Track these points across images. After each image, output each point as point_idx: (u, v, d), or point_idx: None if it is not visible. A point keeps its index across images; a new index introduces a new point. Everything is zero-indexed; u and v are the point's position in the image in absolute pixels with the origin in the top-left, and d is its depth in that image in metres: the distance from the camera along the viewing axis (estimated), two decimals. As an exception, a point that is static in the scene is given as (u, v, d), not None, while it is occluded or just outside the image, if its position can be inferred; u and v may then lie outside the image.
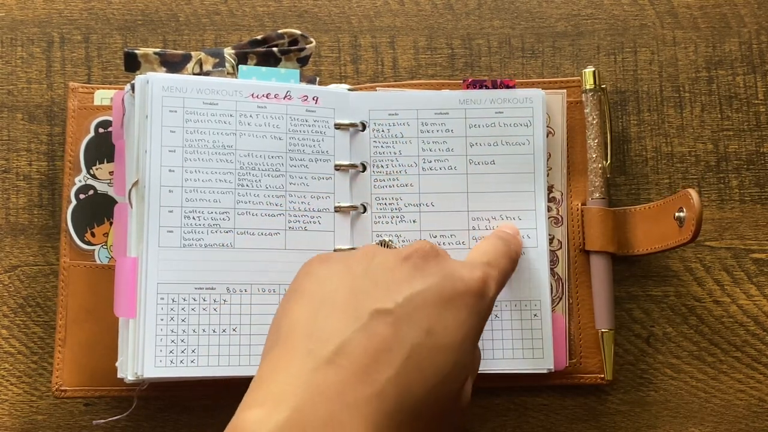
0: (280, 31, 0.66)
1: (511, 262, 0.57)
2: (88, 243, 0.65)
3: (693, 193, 0.61)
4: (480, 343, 0.62)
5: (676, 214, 0.62)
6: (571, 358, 0.65)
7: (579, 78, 0.68)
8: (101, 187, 0.66)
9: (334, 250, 0.63)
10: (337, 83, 0.68)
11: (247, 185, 0.61)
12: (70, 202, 0.65)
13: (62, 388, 0.63)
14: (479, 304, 0.50)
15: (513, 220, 0.64)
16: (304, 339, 0.47)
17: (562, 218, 0.66)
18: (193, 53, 0.64)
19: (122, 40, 0.71)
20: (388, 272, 0.49)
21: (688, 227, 0.61)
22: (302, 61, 0.66)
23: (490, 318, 0.62)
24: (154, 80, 0.61)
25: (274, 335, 0.49)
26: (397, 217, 0.64)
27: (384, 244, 0.56)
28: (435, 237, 0.63)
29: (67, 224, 0.65)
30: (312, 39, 0.66)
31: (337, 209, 0.63)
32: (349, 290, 0.48)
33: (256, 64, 0.65)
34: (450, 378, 0.48)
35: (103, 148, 0.66)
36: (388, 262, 0.50)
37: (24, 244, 0.68)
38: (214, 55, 0.64)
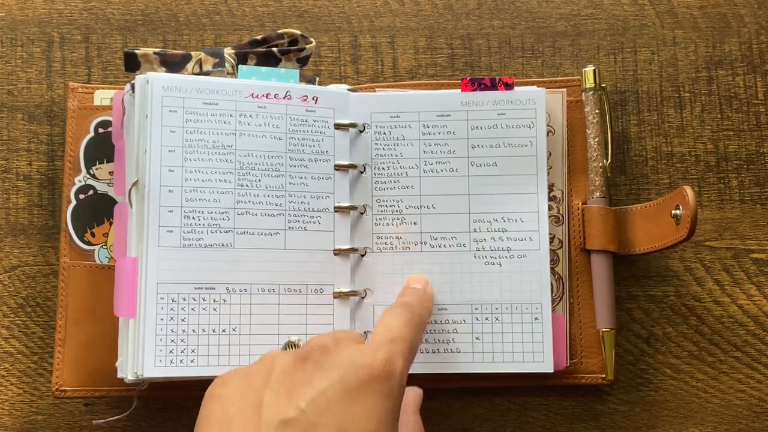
0: (280, 31, 0.66)
1: (417, 330, 0.54)
2: (88, 243, 0.65)
3: (688, 190, 0.60)
4: (481, 345, 0.63)
5: (673, 211, 0.62)
6: (571, 358, 0.65)
7: (579, 77, 0.68)
8: (101, 187, 0.66)
9: (334, 251, 0.63)
10: (337, 83, 0.68)
11: (246, 185, 0.61)
12: (70, 202, 0.65)
13: (62, 388, 0.63)
14: (387, 387, 0.48)
15: (514, 222, 0.64)
16: None
17: (562, 217, 0.66)
18: (193, 53, 0.64)
19: (122, 40, 0.71)
20: (288, 377, 0.47)
21: (684, 224, 0.61)
22: (302, 61, 0.66)
23: (490, 320, 0.63)
24: (154, 80, 0.61)
25: None
26: (398, 219, 0.64)
27: (291, 345, 0.53)
28: (436, 239, 0.63)
29: (67, 224, 0.65)
30: (312, 39, 0.66)
31: (337, 209, 0.63)
32: (253, 408, 0.46)
33: (256, 64, 0.65)
34: None
35: (103, 148, 0.66)
36: (287, 366, 0.48)
37: (24, 244, 0.68)
38: (214, 55, 0.64)
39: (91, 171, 0.66)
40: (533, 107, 0.64)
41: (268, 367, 0.48)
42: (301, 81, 0.64)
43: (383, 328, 0.52)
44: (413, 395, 0.57)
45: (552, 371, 0.63)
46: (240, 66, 0.64)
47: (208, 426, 0.47)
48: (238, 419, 0.46)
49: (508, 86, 0.65)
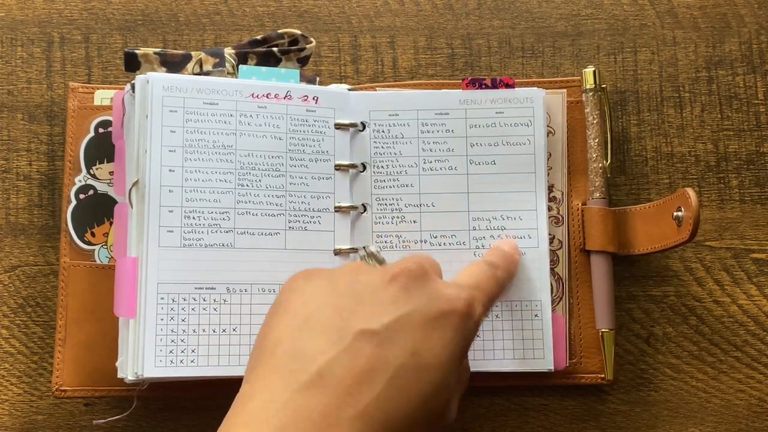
0: (280, 31, 0.66)
1: (498, 287, 0.56)
2: (88, 243, 0.65)
3: (691, 192, 0.61)
4: (480, 343, 0.63)
5: (675, 213, 0.62)
6: (571, 358, 0.65)
7: (579, 78, 0.68)
8: (101, 187, 0.66)
9: (334, 251, 0.63)
10: (337, 83, 0.68)
11: (247, 185, 0.61)
12: (70, 202, 0.65)
13: (62, 388, 0.63)
14: (464, 325, 0.50)
15: (513, 220, 0.64)
16: (287, 358, 0.47)
17: (562, 218, 0.66)
18: (193, 53, 0.64)
19: (122, 40, 0.71)
20: (374, 292, 0.49)
21: (686, 227, 0.61)
22: (302, 61, 0.66)
23: (490, 318, 0.63)
24: (154, 80, 0.61)
25: (257, 352, 0.49)
26: (398, 217, 0.64)
27: (370, 256, 0.54)
28: (435, 237, 0.63)
29: (67, 224, 0.65)
30: (312, 39, 0.66)
31: (337, 209, 0.63)
32: (334, 309, 0.48)
33: (256, 64, 0.65)
34: (434, 398, 0.48)
35: (103, 148, 0.66)
36: (374, 281, 0.50)
37: (24, 244, 0.68)
38: (214, 55, 0.64)
39: (91, 171, 0.66)
40: (531, 106, 0.65)
41: (354, 278, 0.50)
42: (301, 81, 0.64)
43: (467, 275, 0.55)
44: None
45: (552, 369, 0.63)
46: (240, 66, 0.64)
47: (286, 315, 0.49)
48: (317, 317, 0.48)
49: (509, 87, 0.65)
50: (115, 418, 0.65)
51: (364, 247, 0.55)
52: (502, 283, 0.57)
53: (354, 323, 0.47)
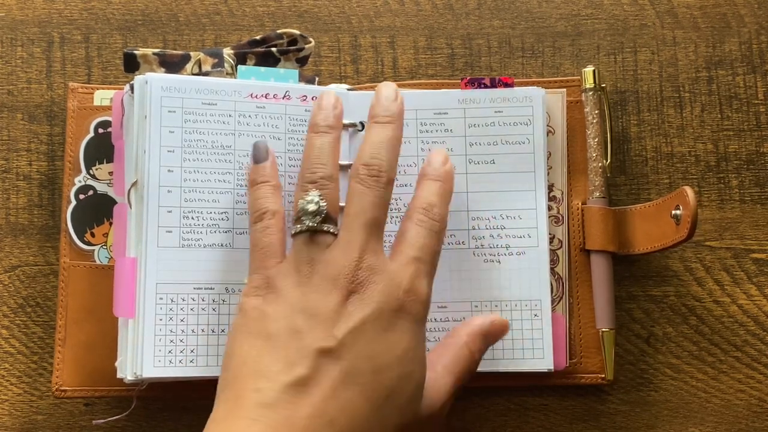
0: (279, 31, 0.66)
1: (439, 237, 0.56)
2: (88, 243, 0.65)
3: (689, 190, 0.60)
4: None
5: (673, 212, 0.62)
6: (571, 358, 0.65)
7: (579, 77, 0.68)
8: (101, 187, 0.66)
9: None
10: (337, 83, 0.68)
11: (246, 185, 0.61)
12: (69, 202, 0.65)
13: (62, 388, 0.63)
14: (414, 312, 0.53)
15: (513, 219, 0.64)
16: (252, 379, 0.50)
17: (562, 217, 0.66)
18: (192, 53, 0.64)
19: (122, 40, 0.71)
20: (325, 307, 0.51)
21: (685, 225, 0.61)
22: (301, 62, 0.66)
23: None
24: (152, 80, 0.61)
25: (223, 377, 0.52)
26: (397, 217, 0.64)
27: (317, 214, 0.54)
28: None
29: (67, 224, 0.65)
30: (311, 39, 0.66)
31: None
32: (292, 331, 0.51)
33: (255, 65, 0.65)
34: (396, 392, 0.51)
35: (102, 149, 0.66)
36: (322, 298, 0.52)
37: (24, 244, 0.68)
38: (213, 56, 0.64)
39: (91, 171, 0.66)
40: (530, 104, 0.64)
41: (304, 296, 0.52)
42: (300, 81, 0.64)
43: (406, 243, 0.55)
44: (483, 319, 0.59)
45: (552, 368, 0.63)
46: (239, 66, 0.64)
47: (249, 336, 0.52)
48: (276, 337, 0.51)
49: (508, 86, 0.65)
50: (114, 418, 0.65)
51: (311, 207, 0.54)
52: (441, 227, 0.57)
53: (311, 342, 0.50)
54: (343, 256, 0.52)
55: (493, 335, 0.58)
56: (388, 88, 0.59)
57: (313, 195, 0.54)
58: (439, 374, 0.55)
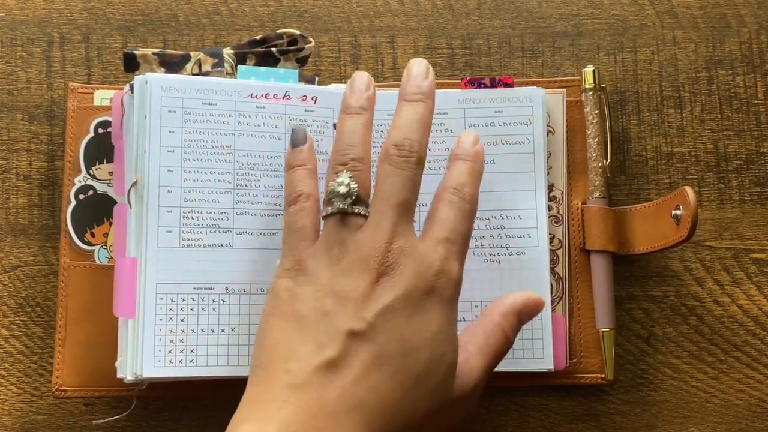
0: (279, 31, 0.66)
1: (471, 218, 0.56)
2: (88, 243, 0.65)
3: (689, 190, 0.61)
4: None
5: (673, 212, 0.62)
6: (571, 358, 0.65)
7: (579, 77, 0.68)
8: (101, 187, 0.66)
9: None
10: (336, 83, 0.68)
11: (246, 185, 0.61)
12: (69, 202, 0.65)
13: (62, 388, 0.63)
14: (445, 293, 0.53)
15: (513, 219, 0.64)
16: (283, 360, 0.50)
17: (562, 217, 0.66)
18: (192, 53, 0.64)
19: (122, 40, 0.71)
20: (355, 290, 0.51)
21: (685, 225, 0.61)
22: (301, 62, 0.66)
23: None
24: (152, 80, 0.61)
25: (255, 359, 0.52)
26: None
27: (338, 196, 0.54)
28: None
29: (66, 224, 0.65)
30: (311, 39, 0.66)
31: (337, 209, 0.63)
32: (322, 313, 0.51)
33: (255, 65, 0.65)
34: (428, 373, 0.51)
35: (102, 149, 0.66)
36: (352, 281, 0.51)
37: (24, 244, 0.68)
38: (213, 56, 0.64)
39: (91, 171, 0.66)
40: (530, 105, 0.64)
41: (334, 278, 0.52)
42: (300, 81, 0.64)
43: (437, 224, 0.55)
44: (517, 296, 0.58)
45: (552, 369, 0.63)
46: (239, 66, 0.64)
47: (280, 318, 0.52)
48: (307, 320, 0.51)
49: (508, 86, 0.65)
50: (114, 418, 0.65)
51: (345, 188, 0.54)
52: (472, 208, 0.56)
53: (340, 324, 0.50)
54: (373, 239, 0.52)
55: (527, 314, 0.57)
56: (419, 65, 0.58)
57: (344, 177, 0.54)
58: (472, 354, 0.55)
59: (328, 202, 0.54)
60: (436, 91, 0.65)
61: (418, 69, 0.58)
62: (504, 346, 0.56)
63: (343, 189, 0.53)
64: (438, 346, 0.51)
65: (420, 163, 0.55)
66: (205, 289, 0.60)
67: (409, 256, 0.52)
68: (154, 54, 0.64)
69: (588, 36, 0.71)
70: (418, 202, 0.63)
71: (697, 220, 0.60)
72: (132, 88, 0.61)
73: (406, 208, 0.54)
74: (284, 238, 0.55)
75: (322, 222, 0.55)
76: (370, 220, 0.53)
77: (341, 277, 0.52)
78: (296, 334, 0.51)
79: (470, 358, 0.54)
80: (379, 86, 0.66)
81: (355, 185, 0.53)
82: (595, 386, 0.67)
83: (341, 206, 0.53)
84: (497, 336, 0.56)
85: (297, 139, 0.58)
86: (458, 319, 0.62)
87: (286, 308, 0.52)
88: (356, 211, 0.53)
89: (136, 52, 0.63)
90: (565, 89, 0.67)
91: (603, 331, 0.65)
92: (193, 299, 0.60)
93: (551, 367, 0.63)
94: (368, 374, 0.49)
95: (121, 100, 0.63)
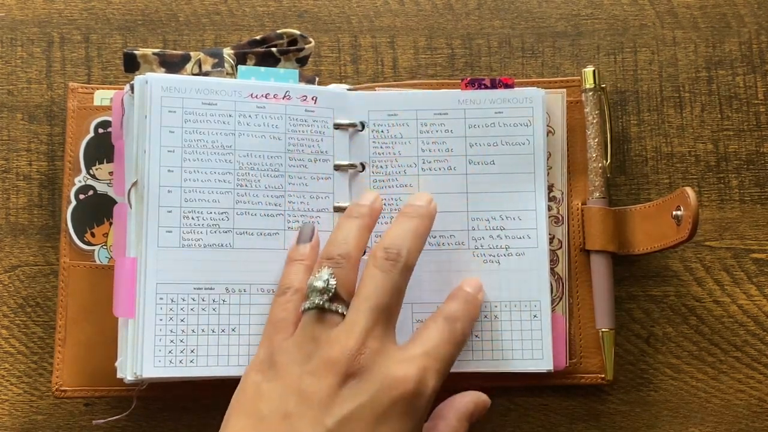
0: (279, 32, 0.66)
1: (456, 347, 0.56)
2: (88, 243, 0.65)
3: (690, 191, 0.61)
4: (480, 344, 0.63)
5: (674, 212, 0.62)
6: (571, 358, 0.65)
7: (579, 78, 0.68)
8: (101, 187, 0.66)
9: None
10: (336, 83, 0.68)
11: (246, 185, 0.61)
12: (69, 202, 0.65)
13: (62, 388, 0.63)
14: (415, 406, 0.51)
15: (513, 220, 0.64)
16: None
17: (562, 217, 0.66)
18: (192, 53, 0.64)
19: (122, 40, 0.71)
20: (320, 391, 0.50)
21: (685, 226, 0.61)
22: (301, 62, 0.66)
23: (489, 318, 0.63)
24: (153, 80, 0.61)
25: None
26: (390, 216, 0.64)
27: (325, 291, 0.54)
28: (434, 237, 0.63)
29: (67, 224, 0.65)
30: (311, 39, 0.66)
31: (337, 209, 0.63)
32: (283, 415, 0.50)
33: (255, 65, 0.65)
34: None
35: (102, 149, 0.66)
36: (319, 382, 0.51)
37: (24, 244, 0.68)
38: (213, 56, 0.64)
39: (91, 171, 0.66)
40: (530, 106, 0.64)
41: (301, 377, 0.51)
42: (300, 81, 0.64)
43: (423, 339, 0.54)
44: (468, 400, 0.58)
45: (552, 369, 0.63)
46: (239, 66, 0.64)
47: (243, 416, 0.52)
48: (269, 421, 0.50)
49: (508, 87, 0.65)
50: (114, 418, 0.65)
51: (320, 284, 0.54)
52: (462, 342, 0.56)
53: (300, 430, 0.49)
54: (346, 338, 0.52)
55: (477, 416, 0.58)
56: (423, 197, 0.60)
57: (324, 272, 0.54)
58: None
59: (307, 296, 0.54)
60: (436, 91, 0.66)
61: (420, 199, 0.59)
62: None
63: (320, 284, 0.53)
64: None
65: (406, 269, 0.55)
66: (205, 289, 0.60)
67: (381, 360, 0.52)
68: (154, 54, 0.64)
69: (588, 36, 0.72)
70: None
71: (698, 221, 0.60)
72: (132, 88, 0.61)
73: (386, 312, 0.53)
74: (264, 329, 0.56)
75: None
76: (346, 320, 0.53)
77: (308, 376, 0.51)
78: None
79: None
80: (379, 86, 0.67)
81: (334, 282, 0.54)
82: (595, 386, 0.67)
83: (317, 302, 0.53)
84: None
85: (303, 236, 0.60)
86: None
87: (249, 405, 0.52)
88: (333, 308, 0.53)
89: (136, 52, 0.63)
90: (565, 89, 0.67)
91: (603, 331, 0.65)
92: (193, 299, 0.60)
93: (551, 367, 0.63)
94: None
95: (121, 100, 0.63)
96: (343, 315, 0.53)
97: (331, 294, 0.53)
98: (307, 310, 0.54)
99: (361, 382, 0.50)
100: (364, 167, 0.64)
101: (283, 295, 0.56)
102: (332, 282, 0.53)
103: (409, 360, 0.52)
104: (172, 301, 0.59)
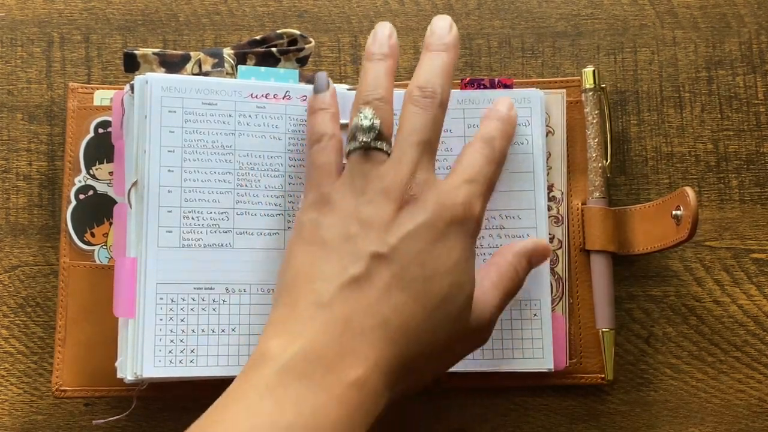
0: (279, 32, 0.66)
1: (498, 165, 0.58)
2: (88, 243, 0.65)
3: (689, 191, 0.61)
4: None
5: (674, 212, 0.62)
6: (571, 358, 0.65)
7: (579, 78, 0.68)
8: (101, 187, 0.66)
9: None
10: (337, 83, 0.68)
11: (246, 185, 0.61)
12: (69, 202, 0.65)
13: (62, 388, 0.63)
14: (465, 228, 0.54)
15: (512, 219, 0.64)
16: (308, 281, 0.52)
17: (562, 217, 0.66)
18: (192, 53, 0.64)
19: (122, 40, 0.71)
20: (380, 217, 0.52)
21: (685, 225, 0.61)
22: (301, 62, 0.66)
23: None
24: (153, 80, 0.61)
25: (280, 284, 0.54)
26: None
27: (362, 131, 0.55)
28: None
29: (66, 224, 0.65)
30: (311, 39, 0.66)
31: (337, 209, 0.63)
32: (346, 236, 0.52)
33: (255, 65, 0.65)
34: (448, 301, 0.52)
35: (102, 149, 0.66)
36: (377, 209, 0.53)
37: (24, 244, 0.68)
38: (213, 56, 0.64)
39: (91, 171, 0.66)
40: (528, 106, 0.64)
41: (358, 208, 0.53)
42: (300, 81, 0.64)
43: (462, 167, 0.56)
44: (528, 242, 0.61)
45: (552, 368, 0.63)
46: (239, 66, 0.64)
47: (305, 244, 0.54)
48: (332, 243, 0.52)
49: (507, 87, 0.65)
50: (114, 418, 0.65)
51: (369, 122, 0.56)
52: (501, 160, 0.59)
53: (364, 246, 0.51)
54: (396, 171, 0.54)
55: (536, 257, 0.60)
56: (443, 20, 0.59)
57: (367, 112, 0.55)
58: (487, 289, 0.57)
59: (352, 137, 0.55)
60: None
61: (441, 23, 0.59)
62: (516, 285, 0.59)
63: (366, 123, 0.55)
64: (458, 275, 0.53)
65: (442, 105, 0.56)
66: (205, 289, 0.60)
67: (431, 189, 0.54)
68: (154, 54, 0.64)
69: (588, 36, 0.72)
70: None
71: (698, 221, 0.60)
72: (132, 88, 0.61)
73: (428, 146, 0.55)
74: (307, 175, 0.57)
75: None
76: (392, 155, 0.55)
77: (365, 205, 0.53)
78: (321, 257, 0.52)
79: (486, 293, 0.56)
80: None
81: (378, 121, 0.55)
82: (595, 386, 0.67)
83: (364, 140, 0.55)
84: (510, 274, 0.58)
85: (320, 85, 0.60)
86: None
87: (310, 235, 0.53)
88: (379, 146, 0.55)
89: (136, 52, 0.63)
90: (565, 89, 0.67)
91: (603, 331, 0.65)
92: (193, 299, 0.60)
93: (551, 367, 0.63)
94: (391, 294, 0.51)
95: (121, 100, 0.63)
96: (388, 153, 0.55)
97: (376, 132, 0.55)
98: (353, 150, 0.55)
99: (417, 207, 0.53)
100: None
101: (319, 142, 0.57)
102: (376, 121, 0.55)
103: (454, 188, 0.55)
104: (172, 301, 0.59)
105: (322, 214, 0.54)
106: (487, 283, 0.57)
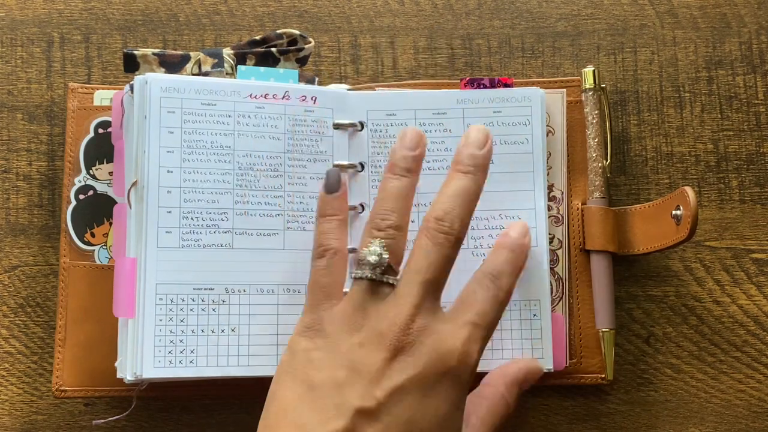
0: (278, 32, 0.66)
1: (502, 307, 0.56)
2: (88, 243, 0.65)
3: (689, 191, 0.61)
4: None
5: (673, 212, 0.62)
6: (571, 358, 0.65)
7: (579, 77, 0.68)
8: (101, 187, 0.66)
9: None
10: (336, 83, 0.68)
11: (245, 185, 0.61)
12: (69, 202, 0.65)
13: (62, 388, 0.63)
14: (460, 379, 0.52)
15: (512, 219, 0.64)
16: (290, 427, 0.50)
17: (562, 217, 0.66)
18: (192, 54, 0.64)
19: (122, 40, 0.71)
20: (371, 364, 0.51)
21: (685, 225, 0.61)
22: (301, 62, 0.66)
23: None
24: (152, 81, 0.61)
25: (265, 416, 0.52)
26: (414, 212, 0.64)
27: (379, 265, 0.54)
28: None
29: (66, 224, 0.65)
30: (311, 39, 0.66)
31: (336, 209, 0.63)
32: (334, 384, 0.50)
33: (254, 65, 0.65)
34: None
35: (102, 149, 0.66)
36: (370, 353, 0.51)
37: (24, 244, 0.68)
38: (213, 56, 0.64)
39: (91, 171, 0.66)
40: (528, 105, 0.64)
41: (352, 348, 0.51)
42: (300, 81, 0.64)
43: (467, 304, 0.54)
44: (519, 367, 0.60)
45: (552, 369, 0.63)
46: (239, 66, 0.64)
47: (294, 381, 0.52)
48: (319, 389, 0.50)
49: (507, 86, 0.65)
50: (114, 418, 0.65)
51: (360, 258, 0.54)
52: (505, 299, 0.56)
53: (351, 399, 0.49)
54: (396, 313, 0.52)
55: (528, 381, 0.60)
56: (479, 132, 0.58)
57: (377, 246, 0.53)
58: (475, 428, 0.56)
59: (358, 265, 0.54)
60: (435, 91, 0.66)
61: (477, 135, 0.58)
62: (507, 417, 0.58)
63: (373, 259, 0.53)
64: (444, 430, 0.51)
65: (458, 243, 0.55)
66: (205, 289, 0.60)
67: (429, 335, 0.52)
68: (154, 54, 0.64)
69: (588, 36, 0.71)
70: (418, 202, 0.63)
71: (698, 221, 0.60)
72: (132, 88, 0.61)
73: (435, 285, 0.54)
74: (309, 292, 0.55)
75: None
76: (396, 291, 0.53)
77: (357, 349, 0.51)
78: (306, 402, 0.50)
79: (472, 430, 0.55)
80: (379, 86, 0.67)
81: (386, 255, 0.53)
82: (595, 386, 0.67)
83: (369, 275, 0.53)
84: (501, 410, 0.57)
85: (331, 186, 0.58)
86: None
87: (300, 371, 0.52)
88: (384, 280, 0.53)
89: (136, 52, 0.64)
90: (565, 89, 0.67)
91: (603, 331, 0.65)
92: (193, 300, 0.60)
93: (551, 367, 0.63)
94: None
95: (121, 100, 0.63)
96: (393, 286, 0.54)
97: (383, 267, 0.53)
98: (358, 278, 0.54)
99: (410, 357, 0.51)
100: (363, 167, 0.64)
101: (322, 258, 0.55)
102: (385, 256, 0.53)
103: (453, 333, 0.52)
104: (171, 301, 0.59)
105: (316, 346, 0.52)
106: (474, 420, 0.56)
